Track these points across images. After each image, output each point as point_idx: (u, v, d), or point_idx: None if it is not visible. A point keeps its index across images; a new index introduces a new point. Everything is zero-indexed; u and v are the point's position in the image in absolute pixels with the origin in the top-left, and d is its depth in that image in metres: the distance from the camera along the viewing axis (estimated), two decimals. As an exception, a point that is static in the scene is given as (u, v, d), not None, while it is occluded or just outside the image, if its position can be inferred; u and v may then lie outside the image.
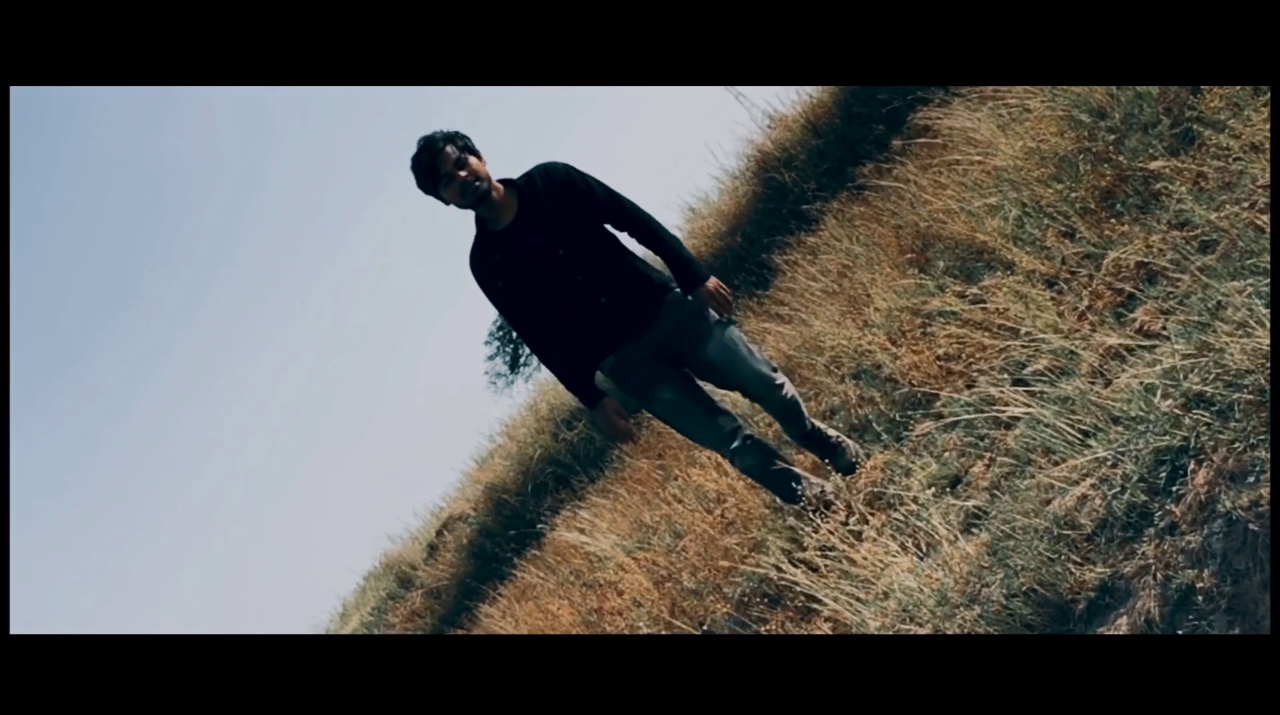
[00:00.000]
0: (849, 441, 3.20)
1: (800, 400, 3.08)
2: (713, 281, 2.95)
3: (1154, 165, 2.95)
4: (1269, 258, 2.08)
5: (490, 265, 2.89)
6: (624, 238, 3.07)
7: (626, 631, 3.82)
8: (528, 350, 22.58)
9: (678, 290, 2.95)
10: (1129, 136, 3.39)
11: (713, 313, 2.94)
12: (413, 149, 2.86)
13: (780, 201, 8.08)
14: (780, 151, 8.58)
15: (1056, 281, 3.02)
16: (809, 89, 9.89)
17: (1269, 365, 1.80)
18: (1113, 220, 2.96)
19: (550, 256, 2.83)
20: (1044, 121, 4.03)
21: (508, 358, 22.06)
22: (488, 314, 22.48)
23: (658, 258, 3.10)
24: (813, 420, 3.13)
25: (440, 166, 2.78)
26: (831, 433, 3.17)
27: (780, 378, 2.99)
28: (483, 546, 8.15)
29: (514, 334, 22.30)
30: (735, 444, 2.94)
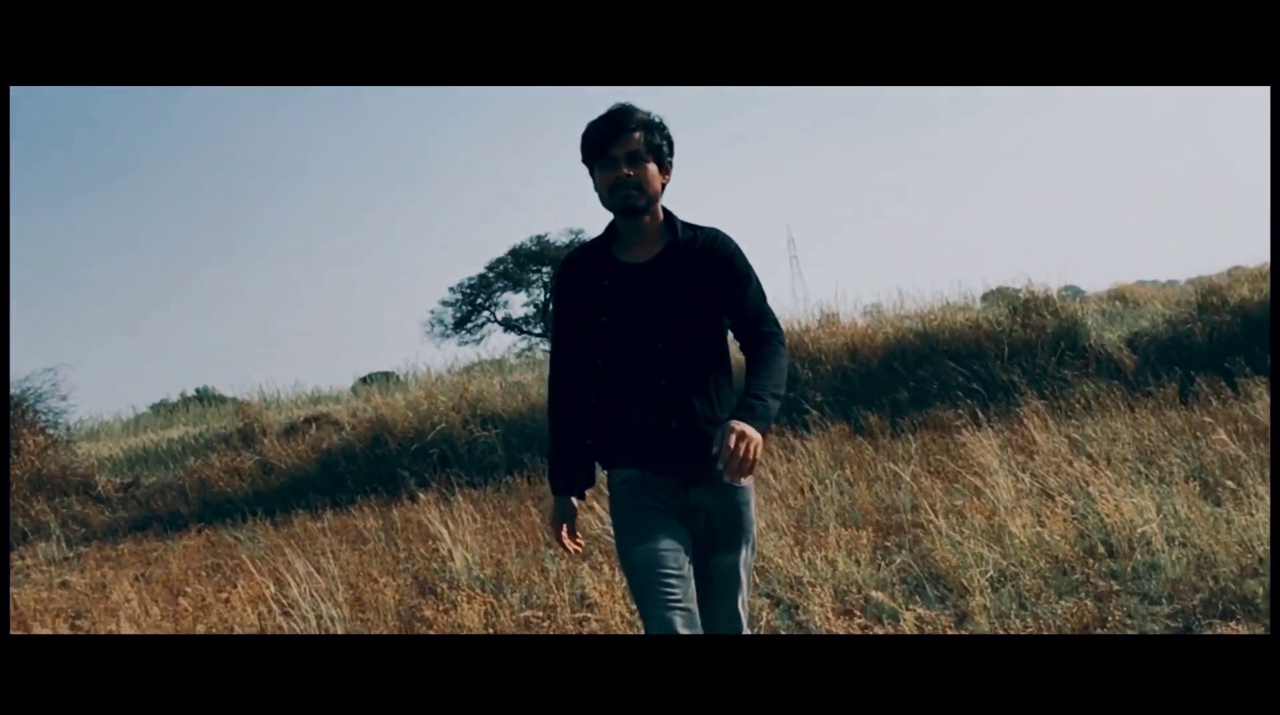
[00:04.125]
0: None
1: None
2: (750, 435, 2.10)
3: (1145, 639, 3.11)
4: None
5: (588, 289, 2.43)
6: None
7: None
8: (480, 324, 22.01)
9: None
10: (1130, 596, 3.56)
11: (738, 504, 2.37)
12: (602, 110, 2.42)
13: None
14: (813, 346, 8.76)
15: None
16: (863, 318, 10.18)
17: None
18: (1086, 660, 3.10)
19: (646, 342, 2.36)
20: (1062, 520, 4.21)
21: (459, 315, 21.72)
22: (479, 265, 22.08)
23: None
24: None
25: (613, 145, 2.33)
26: None
27: (745, 630, 2.48)
28: (336, 463, 8.02)
29: (479, 300, 21.87)
30: (673, 630, 2.32)
